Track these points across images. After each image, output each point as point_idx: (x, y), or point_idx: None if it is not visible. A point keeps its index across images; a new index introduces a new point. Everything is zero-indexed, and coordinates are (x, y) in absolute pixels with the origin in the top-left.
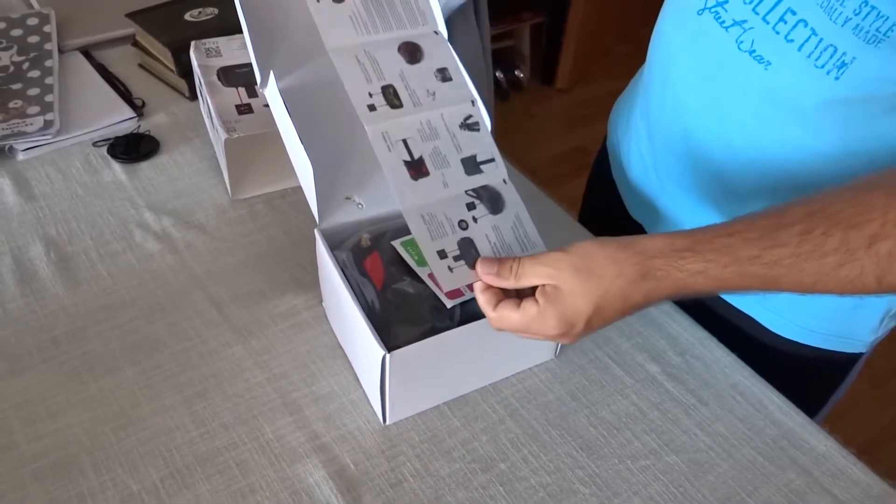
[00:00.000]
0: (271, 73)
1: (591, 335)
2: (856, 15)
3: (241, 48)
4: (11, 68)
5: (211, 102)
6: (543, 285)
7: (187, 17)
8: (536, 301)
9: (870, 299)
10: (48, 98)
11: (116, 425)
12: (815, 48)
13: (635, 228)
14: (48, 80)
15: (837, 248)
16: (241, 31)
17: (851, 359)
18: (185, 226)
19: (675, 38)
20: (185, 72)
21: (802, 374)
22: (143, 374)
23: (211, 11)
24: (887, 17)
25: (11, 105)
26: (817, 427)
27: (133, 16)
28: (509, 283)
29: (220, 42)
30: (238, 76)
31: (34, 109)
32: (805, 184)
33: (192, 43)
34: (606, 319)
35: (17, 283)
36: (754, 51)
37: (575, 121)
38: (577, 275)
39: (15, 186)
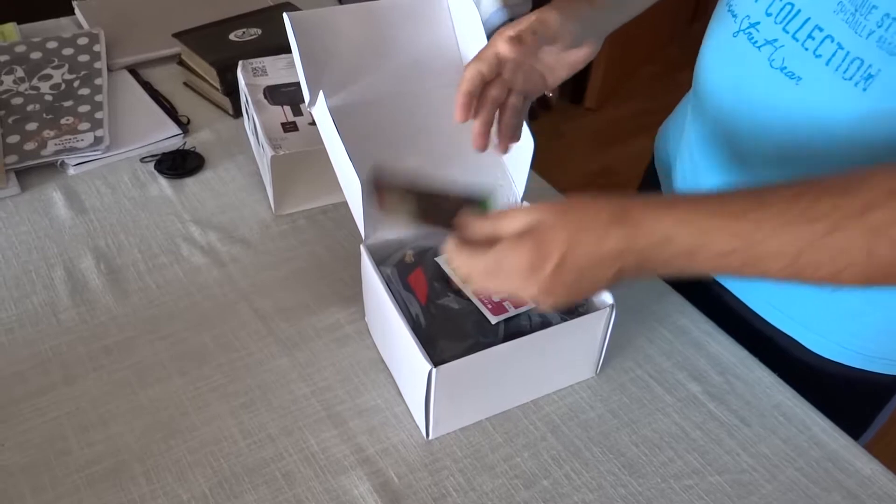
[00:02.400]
0: (321, 92)
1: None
2: (878, 27)
3: (286, 68)
4: (63, 86)
5: (257, 120)
6: (525, 224)
7: (231, 37)
8: (514, 234)
9: None
10: (98, 115)
11: (166, 433)
12: (843, 62)
13: None
14: (98, 98)
15: (828, 213)
16: (283, 51)
17: (891, 383)
18: (230, 240)
19: (714, 62)
20: (229, 90)
21: (845, 397)
22: (192, 383)
23: (254, 32)
24: None
25: (63, 121)
26: (862, 449)
27: (179, 36)
28: (490, 226)
29: (266, 62)
30: (284, 95)
31: (85, 126)
32: None
33: (240, 62)
34: (579, 266)
35: (69, 293)
36: (785, 67)
37: (604, 140)
38: (556, 210)
39: (67, 200)
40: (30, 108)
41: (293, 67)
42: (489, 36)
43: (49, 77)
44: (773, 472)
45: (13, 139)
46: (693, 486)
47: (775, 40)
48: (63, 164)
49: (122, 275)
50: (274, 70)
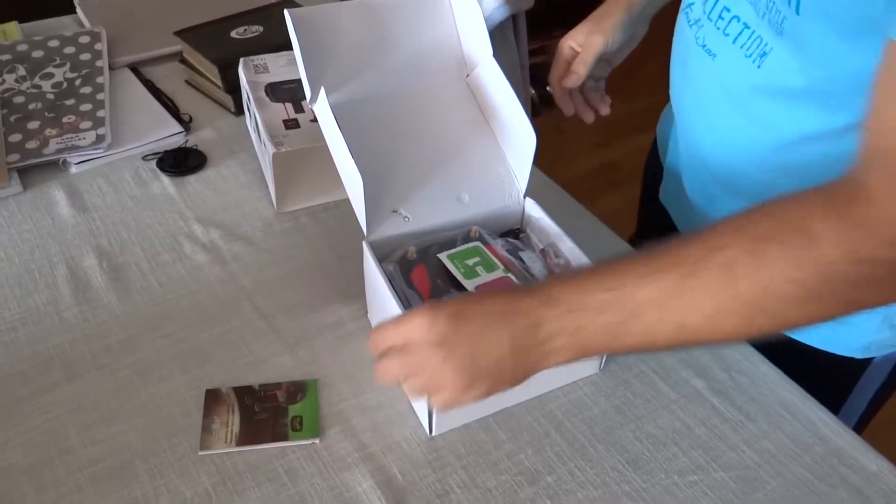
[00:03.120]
0: (322, 88)
1: None
2: (767, 8)
3: (288, 65)
4: (65, 84)
5: (259, 117)
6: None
7: (233, 34)
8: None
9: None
10: (100, 113)
11: (168, 432)
12: (748, 40)
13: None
14: (100, 96)
15: (686, 259)
16: (284, 49)
17: (858, 364)
18: (232, 238)
19: (673, 43)
20: (231, 87)
21: (812, 376)
22: (194, 382)
23: (256, 29)
24: (780, 11)
25: (65, 120)
26: (868, 445)
27: (181, 34)
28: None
29: (268, 59)
30: (285, 92)
31: (87, 124)
32: (764, 174)
33: (241, 60)
34: (470, 315)
35: (71, 292)
36: (705, 45)
37: (606, 136)
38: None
39: (69, 199)
40: (32, 106)
41: (294, 64)
42: (490, 33)
43: (51, 75)
44: (779, 468)
45: (15, 138)
46: (698, 483)
47: (699, 20)
48: (65, 162)
49: (124, 273)
50: (275, 67)
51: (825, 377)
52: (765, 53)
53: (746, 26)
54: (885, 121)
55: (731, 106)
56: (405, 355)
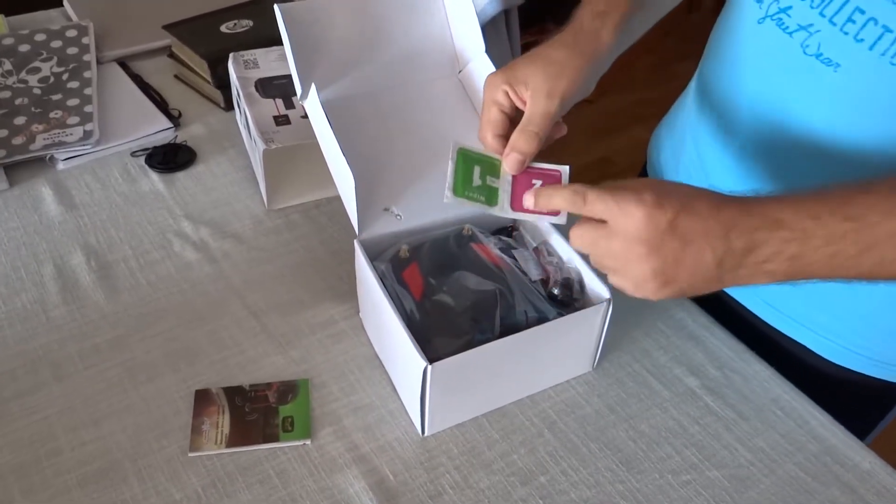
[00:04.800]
0: (312, 85)
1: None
2: None
3: (278, 60)
4: (52, 79)
5: (249, 113)
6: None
7: (223, 28)
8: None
9: None
10: (87, 108)
11: (158, 433)
12: (891, 45)
13: None
14: (87, 91)
15: None
16: (275, 43)
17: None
18: (222, 235)
19: (733, 52)
20: (221, 83)
21: (850, 401)
22: (184, 381)
23: (246, 23)
24: None
25: (52, 115)
26: (861, 444)
27: (170, 28)
28: (604, 200)
29: (258, 54)
30: (276, 87)
31: (74, 120)
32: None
33: (231, 55)
34: (689, 230)
35: (59, 290)
36: (821, 54)
37: (600, 131)
38: (669, 184)
39: (56, 196)
40: (18, 101)
41: (285, 60)
42: (483, 28)
43: (37, 70)
44: (772, 466)
45: (1, 133)
46: (691, 482)
47: (810, 25)
48: (52, 158)
49: (112, 271)
50: (265, 62)
51: (856, 404)
52: None
53: (888, 30)
54: None
55: (859, 117)
56: (607, 238)
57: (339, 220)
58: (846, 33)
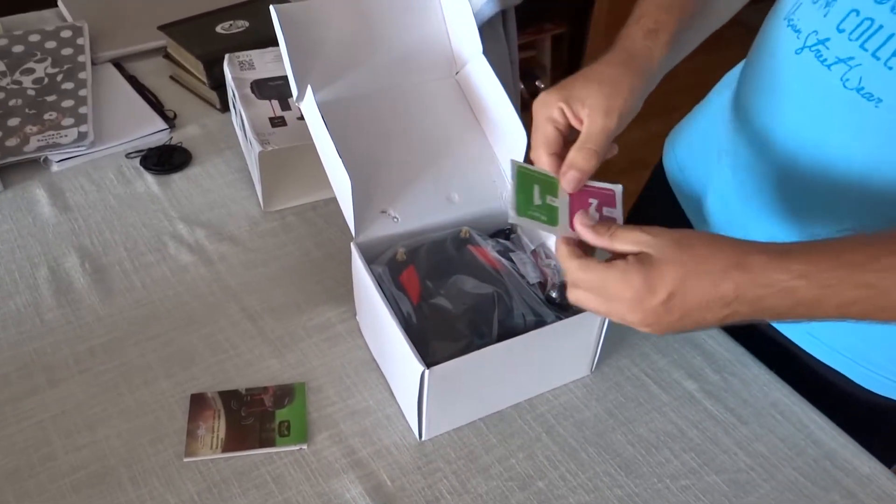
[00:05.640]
0: (308, 86)
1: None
2: None
3: (274, 61)
4: (46, 80)
5: (245, 115)
6: (639, 252)
7: (218, 29)
8: (625, 259)
9: None
10: (82, 110)
11: (153, 437)
12: None
13: None
14: (82, 92)
15: None
16: (271, 44)
17: None
18: (217, 237)
19: (770, 82)
20: (217, 84)
21: (883, 427)
22: (179, 385)
23: (242, 24)
24: None
25: (46, 117)
26: (860, 448)
27: (165, 28)
28: (602, 241)
29: (254, 55)
30: (271, 89)
31: (68, 121)
32: None
33: (226, 56)
34: (686, 307)
35: (53, 293)
36: (862, 88)
37: None
38: (675, 246)
39: (50, 198)
40: (12, 102)
41: (281, 61)
42: (480, 29)
43: (31, 71)
44: (771, 471)
45: None
46: (690, 487)
47: (850, 58)
48: (46, 160)
49: (107, 274)
50: (261, 63)
51: (889, 430)
52: None
53: None
54: None
55: None
56: (602, 302)
57: (334, 221)
58: (890, 68)
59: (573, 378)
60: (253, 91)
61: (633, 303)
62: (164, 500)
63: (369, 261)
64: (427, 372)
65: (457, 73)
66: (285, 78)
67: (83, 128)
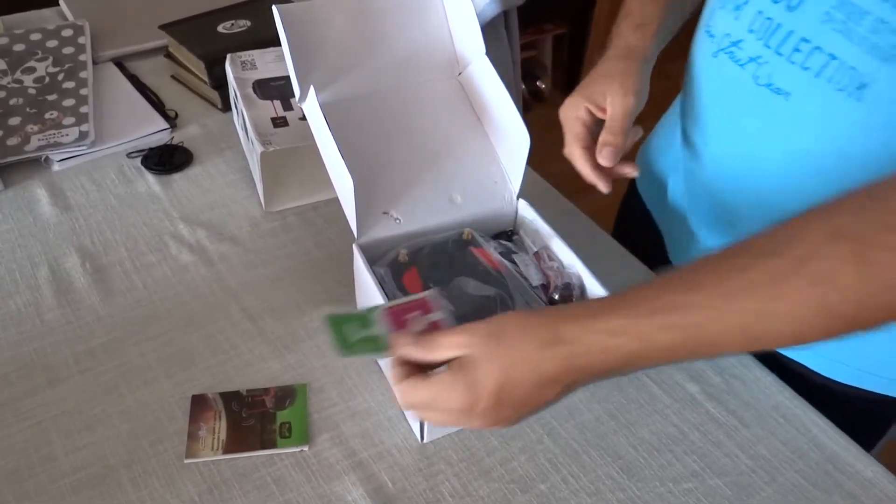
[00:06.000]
0: (311, 87)
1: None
2: (871, 33)
3: (276, 61)
4: (47, 79)
5: (246, 115)
6: (459, 357)
7: (220, 29)
8: (449, 368)
9: None
10: (83, 109)
11: (154, 438)
12: (835, 72)
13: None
14: (83, 92)
15: (765, 280)
16: (273, 44)
17: (892, 403)
18: (218, 238)
19: (698, 82)
20: (218, 83)
21: (852, 418)
22: (179, 386)
23: (244, 24)
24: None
25: (47, 116)
26: (863, 451)
27: (166, 28)
28: (425, 355)
29: (255, 55)
30: (273, 89)
31: (69, 120)
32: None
33: (228, 56)
34: (517, 398)
35: (53, 293)
36: (772, 84)
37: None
38: (488, 341)
39: (51, 197)
40: (13, 101)
41: (283, 61)
42: (482, 29)
43: (32, 70)
44: (773, 474)
45: None
46: (692, 490)
47: (759, 57)
48: (47, 159)
49: (108, 274)
50: (263, 63)
51: (859, 418)
52: (864, 85)
53: (833, 57)
54: None
55: (814, 144)
56: (440, 415)
57: (335, 222)
58: (793, 63)
59: None
60: (255, 91)
61: (466, 411)
62: (164, 501)
63: (371, 262)
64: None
65: (459, 73)
66: (287, 78)
67: (84, 127)
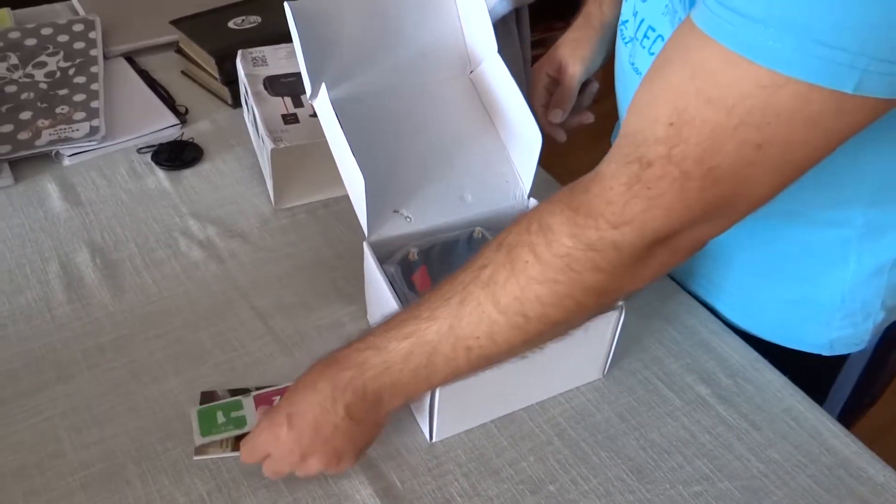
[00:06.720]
0: (322, 84)
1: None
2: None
3: (287, 57)
4: (58, 74)
5: (257, 112)
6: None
7: (231, 24)
8: None
9: (812, 296)
10: (94, 104)
11: (163, 435)
12: None
13: None
14: (94, 86)
15: (458, 287)
16: (284, 40)
17: (834, 362)
18: (228, 234)
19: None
20: (228, 79)
21: (796, 374)
22: (188, 384)
23: (254, 19)
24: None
25: (58, 111)
26: (875, 456)
27: (177, 23)
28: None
29: (266, 51)
30: (284, 86)
31: (80, 115)
32: None
33: (239, 52)
34: (309, 419)
35: (63, 288)
36: (633, 63)
37: (604, 131)
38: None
39: (62, 192)
40: (24, 96)
41: (294, 57)
42: (495, 26)
43: (44, 64)
44: (785, 478)
45: (6, 128)
46: (703, 493)
47: (633, 38)
48: (58, 154)
49: (117, 270)
50: (274, 60)
51: (805, 375)
52: None
53: None
54: (633, 102)
55: None
56: (270, 462)
57: (345, 220)
58: (644, 47)
59: (585, 381)
60: (265, 87)
61: (274, 443)
62: (173, 498)
63: (381, 260)
64: None
65: (471, 71)
66: (298, 75)
67: (95, 122)
